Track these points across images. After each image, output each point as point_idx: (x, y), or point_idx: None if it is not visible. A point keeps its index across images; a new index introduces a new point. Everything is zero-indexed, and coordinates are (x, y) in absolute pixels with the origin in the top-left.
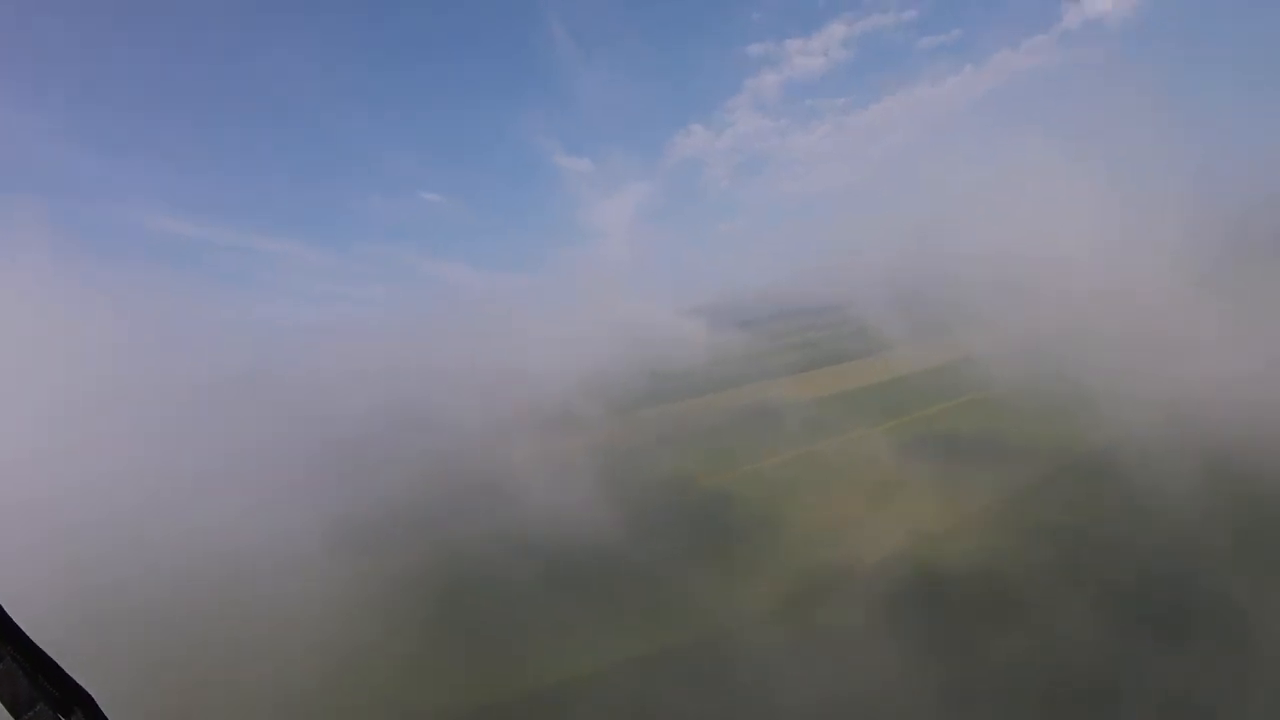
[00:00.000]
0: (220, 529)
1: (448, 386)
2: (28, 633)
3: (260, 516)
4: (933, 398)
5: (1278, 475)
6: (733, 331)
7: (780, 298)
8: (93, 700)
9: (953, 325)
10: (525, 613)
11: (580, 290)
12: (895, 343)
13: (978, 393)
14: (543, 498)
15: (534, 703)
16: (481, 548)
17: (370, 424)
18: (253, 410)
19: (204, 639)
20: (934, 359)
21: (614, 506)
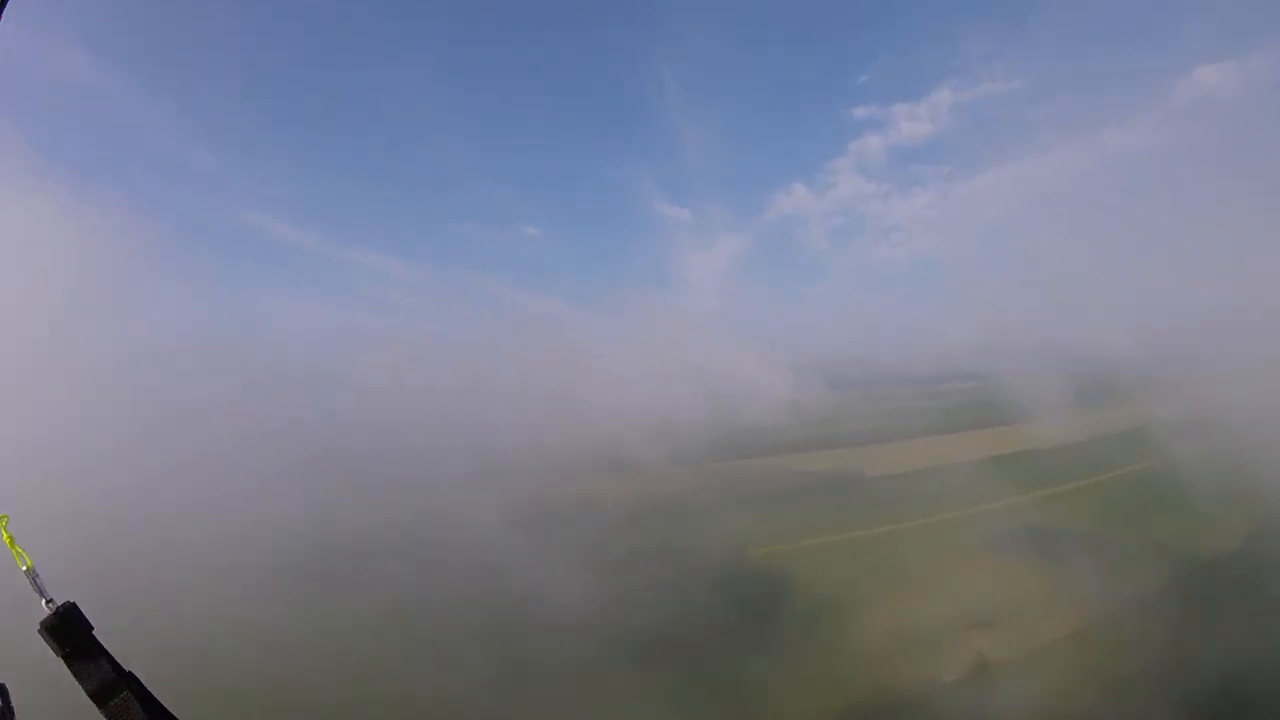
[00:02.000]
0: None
1: (509, 414)
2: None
3: (248, 516)
4: (1047, 478)
5: None
6: (823, 392)
7: (876, 364)
8: None
9: (1072, 403)
10: (499, 696)
11: (666, 335)
12: (1002, 418)
13: (1102, 476)
14: (569, 550)
15: None
16: (484, 596)
17: (418, 441)
18: (292, 412)
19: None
20: (1048, 438)
21: (650, 569)
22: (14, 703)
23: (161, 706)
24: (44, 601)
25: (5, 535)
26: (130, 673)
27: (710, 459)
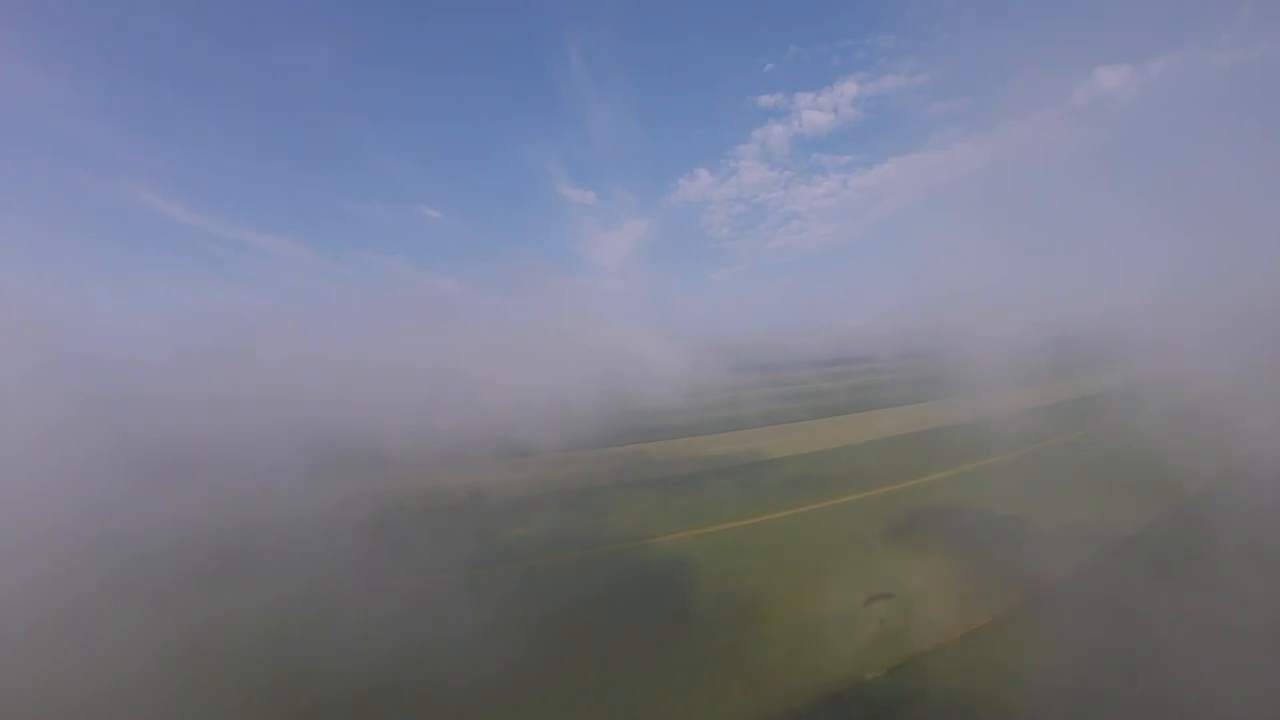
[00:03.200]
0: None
1: (399, 402)
2: None
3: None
4: (958, 455)
5: None
6: (726, 375)
7: (778, 347)
8: None
9: (975, 385)
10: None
11: (569, 318)
12: (905, 399)
13: (1012, 453)
14: (445, 546)
15: None
16: (335, 609)
17: (289, 430)
18: (131, 401)
19: None
20: (956, 417)
21: (540, 561)
22: None
23: None
24: None
25: None
26: None
27: (612, 443)
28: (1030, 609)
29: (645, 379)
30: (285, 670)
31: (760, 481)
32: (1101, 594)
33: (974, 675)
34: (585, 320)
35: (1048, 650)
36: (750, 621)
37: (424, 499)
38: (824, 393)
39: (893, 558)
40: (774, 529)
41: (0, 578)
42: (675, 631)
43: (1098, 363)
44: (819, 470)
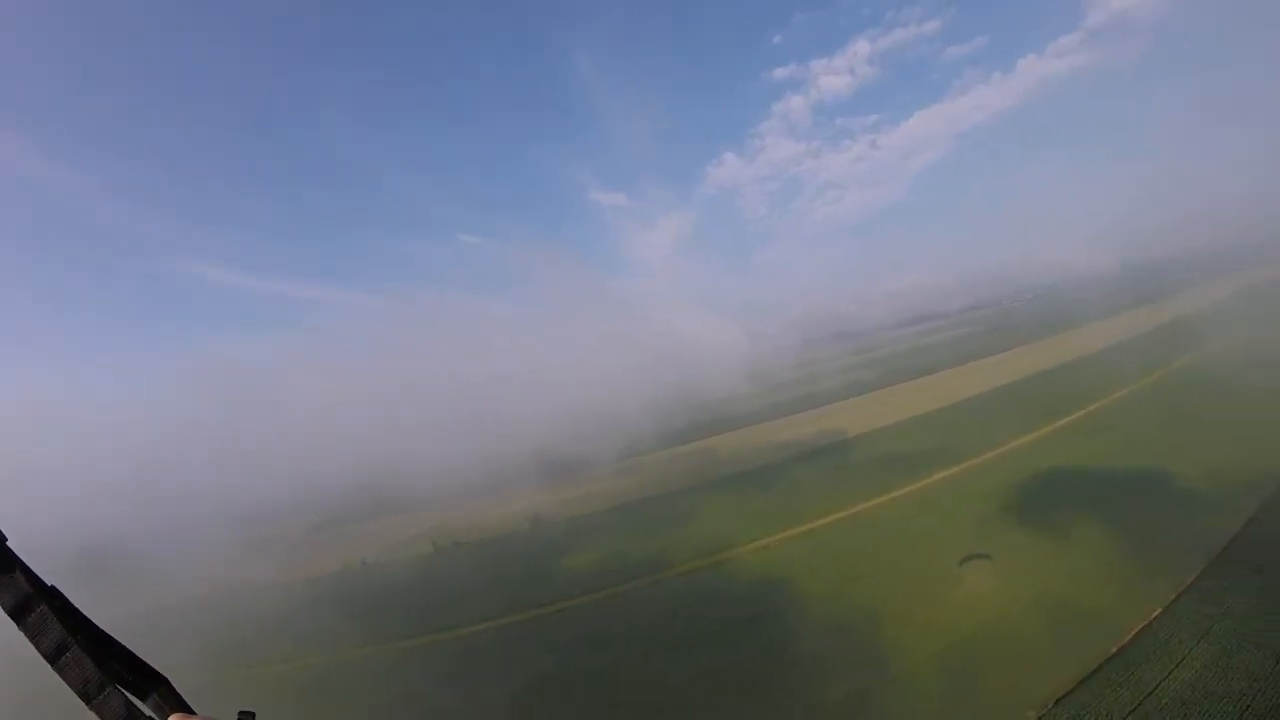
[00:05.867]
0: None
1: (441, 434)
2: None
3: None
4: (1057, 405)
5: None
6: (788, 354)
7: (840, 316)
8: (168, 682)
9: (1055, 323)
10: None
11: (619, 324)
12: (985, 350)
13: (1115, 395)
14: (508, 592)
15: None
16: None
17: (328, 475)
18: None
19: None
20: (1046, 362)
21: (610, 598)
22: None
23: (84, 618)
24: None
25: None
26: (53, 587)
27: (677, 442)
28: (1208, 582)
29: (706, 368)
30: None
31: (847, 465)
32: None
33: (1164, 689)
34: (635, 318)
35: (1242, 636)
36: (869, 652)
37: (477, 532)
38: (896, 356)
39: (1021, 545)
40: (872, 522)
41: None
42: (782, 675)
43: (1185, 282)
44: (911, 443)
